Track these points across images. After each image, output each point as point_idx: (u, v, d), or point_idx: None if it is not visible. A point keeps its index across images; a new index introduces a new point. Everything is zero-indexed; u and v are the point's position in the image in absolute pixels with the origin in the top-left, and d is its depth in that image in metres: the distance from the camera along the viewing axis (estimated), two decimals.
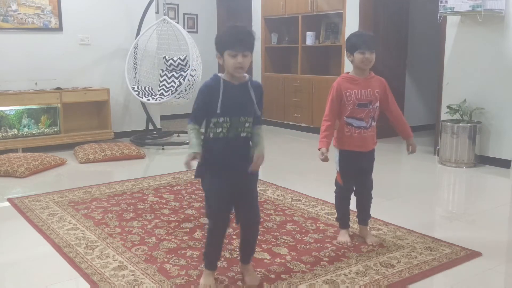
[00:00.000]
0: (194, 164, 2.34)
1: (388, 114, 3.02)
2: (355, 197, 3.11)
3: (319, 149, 2.87)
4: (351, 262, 2.78)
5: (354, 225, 3.26)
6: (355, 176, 3.02)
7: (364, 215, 3.10)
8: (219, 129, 2.31)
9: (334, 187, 3.10)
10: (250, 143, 2.43)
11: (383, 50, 6.57)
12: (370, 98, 2.89)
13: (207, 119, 2.34)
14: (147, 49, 6.56)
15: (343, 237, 3.08)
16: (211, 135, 2.33)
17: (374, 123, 2.94)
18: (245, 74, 2.34)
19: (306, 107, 7.16)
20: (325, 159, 2.84)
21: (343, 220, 3.11)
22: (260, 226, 3.29)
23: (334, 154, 2.99)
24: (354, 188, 3.07)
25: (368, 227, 3.13)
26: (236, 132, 2.33)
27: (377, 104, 2.92)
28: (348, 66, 6.51)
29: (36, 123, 5.88)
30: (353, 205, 3.12)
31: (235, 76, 2.31)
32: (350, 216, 3.14)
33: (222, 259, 2.75)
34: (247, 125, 2.35)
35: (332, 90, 2.93)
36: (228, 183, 2.37)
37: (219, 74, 2.36)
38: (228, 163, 2.36)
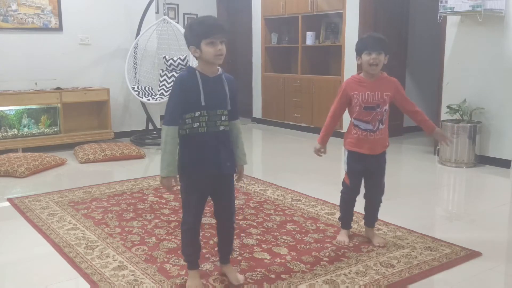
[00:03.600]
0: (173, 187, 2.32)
1: (405, 113, 2.99)
2: (363, 200, 3.07)
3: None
4: (351, 262, 2.78)
5: (354, 225, 3.26)
6: (362, 177, 2.98)
7: (371, 217, 3.07)
8: (197, 124, 2.25)
9: (334, 187, 3.10)
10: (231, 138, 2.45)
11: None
12: (377, 101, 2.81)
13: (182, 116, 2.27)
14: (147, 49, 6.56)
15: (342, 237, 3.07)
16: (186, 131, 2.27)
17: (382, 126, 2.86)
18: (218, 67, 2.32)
19: (306, 107, 7.16)
20: (317, 152, 2.97)
21: (345, 221, 3.10)
22: (260, 226, 3.31)
23: (343, 154, 3.00)
24: (365, 191, 3.02)
25: (374, 228, 3.11)
26: (214, 126, 2.29)
27: (386, 107, 2.84)
28: (348, 67, 6.51)
29: (36, 123, 5.88)
30: (358, 205, 3.11)
31: (215, 64, 2.26)
32: (353, 218, 3.13)
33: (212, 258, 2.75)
34: (223, 118, 2.31)
35: (340, 90, 2.91)
36: (207, 182, 2.35)
37: (193, 66, 2.32)
38: (209, 160, 2.31)
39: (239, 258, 2.82)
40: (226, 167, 2.37)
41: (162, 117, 7.30)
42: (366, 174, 2.96)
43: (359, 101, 2.83)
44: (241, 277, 2.54)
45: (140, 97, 6.09)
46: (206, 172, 2.33)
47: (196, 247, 2.48)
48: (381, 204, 3.09)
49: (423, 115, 2.98)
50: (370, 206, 3.06)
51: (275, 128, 7.61)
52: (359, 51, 2.84)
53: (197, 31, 2.21)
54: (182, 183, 2.39)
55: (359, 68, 2.91)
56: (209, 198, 2.47)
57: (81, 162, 5.26)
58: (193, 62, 6.00)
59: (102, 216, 3.54)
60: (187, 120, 2.26)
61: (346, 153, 2.96)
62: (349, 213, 3.08)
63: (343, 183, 3.04)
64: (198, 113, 2.24)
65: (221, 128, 2.32)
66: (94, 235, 3.18)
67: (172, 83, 6.26)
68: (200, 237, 3.08)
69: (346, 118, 2.99)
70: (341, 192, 3.07)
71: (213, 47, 2.20)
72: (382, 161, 2.97)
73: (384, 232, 3.22)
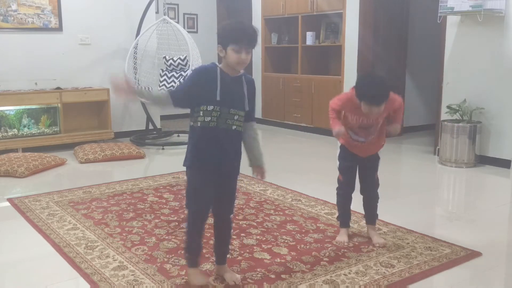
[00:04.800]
0: (123, 85, 2.26)
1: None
2: (361, 196, 3.10)
3: (334, 128, 2.81)
4: (351, 262, 2.78)
5: (354, 225, 3.26)
6: (355, 173, 3.01)
7: (370, 214, 3.09)
8: (208, 118, 2.28)
9: (334, 187, 3.10)
10: (243, 140, 2.45)
11: (383, 50, 6.57)
12: (372, 122, 2.85)
13: (194, 106, 2.31)
14: (147, 49, 6.55)
15: (341, 236, 3.07)
16: (199, 123, 2.30)
17: (374, 136, 2.91)
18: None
19: (306, 107, 7.15)
20: (340, 134, 2.82)
21: (342, 219, 3.11)
22: (260, 226, 3.31)
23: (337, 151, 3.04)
24: (360, 187, 3.06)
25: (375, 227, 3.12)
26: (226, 124, 2.31)
27: (380, 123, 2.88)
28: (348, 67, 6.52)
29: (36, 123, 5.88)
30: (359, 205, 3.11)
31: (235, 69, 2.31)
32: (351, 216, 3.14)
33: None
34: (236, 117, 2.33)
35: (345, 96, 2.87)
36: (213, 178, 2.37)
37: (216, 63, 2.35)
38: (217, 156, 2.34)
39: (239, 258, 2.82)
40: (233, 166, 2.42)
41: (162, 117, 7.36)
42: (359, 170, 3.01)
43: (354, 122, 2.86)
44: (238, 277, 2.55)
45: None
46: (213, 165, 2.35)
47: (196, 243, 2.45)
48: (381, 204, 3.09)
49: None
50: (367, 201, 3.08)
51: (275, 128, 7.61)
52: (359, 95, 2.71)
53: (228, 34, 2.26)
54: (189, 175, 2.41)
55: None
56: None
57: (81, 162, 5.26)
58: (193, 63, 6.00)
59: (102, 216, 3.54)
60: (200, 112, 2.28)
61: (339, 148, 3.01)
62: (346, 211, 3.10)
63: (338, 180, 3.07)
64: (211, 107, 2.27)
65: (234, 127, 2.33)
66: (94, 235, 3.18)
67: (172, 83, 6.31)
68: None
69: None
70: (336, 189, 3.10)
71: (237, 54, 2.24)
72: (375, 157, 3.01)
73: (384, 232, 3.22)
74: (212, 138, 2.31)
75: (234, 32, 2.26)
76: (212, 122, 2.28)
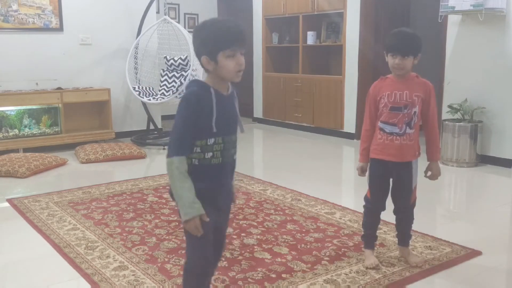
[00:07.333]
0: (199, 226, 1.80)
1: (423, 124, 2.70)
2: (362, 196, 2.92)
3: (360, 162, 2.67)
4: (352, 261, 2.78)
5: (354, 224, 3.26)
6: (387, 191, 2.70)
7: (403, 235, 2.79)
8: (210, 154, 1.80)
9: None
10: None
11: (383, 50, 6.56)
12: (405, 101, 2.55)
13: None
14: (148, 49, 6.56)
15: (369, 259, 2.71)
16: (196, 161, 1.80)
17: (410, 131, 2.61)
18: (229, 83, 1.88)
19: (307, 107, 7.15)
20: (362, 173, 2.68)
21: (367, 239, 2.77)
22: (260, 226, 3.31)
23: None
24: (393, 208, 2.75)
25: (409, 247, 2.82)
26: (229, 155, 1.86)
27: (415, 109, 2.58)
28: (349, 66, 6.51)
29: (37, 123, 5.88)
30: (359, 205, 3.08)
31: (231, 81, 1.84)
32: (377, 238, 2.83)
33: (223, 259, 2.74)
34: (236, 144, 1.91)
35: (368, 96, 2.65)
36: (214, 219, 1.86)
37: (203, 81, 1.84)
38: (221, 196, 1.90)
39: (240, 258, 2.82)
40: (230, 201, 2.02)
41: (163, 117, 7.35)
42: (392, 188, 2.71)
43: (385, 101, 2.57)
44: None
45: (141, 97, 6.09)
46: (217, 207, 1.89)
47: None
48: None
49: (436, 138, 2.79)
50: (400, 223, 2.77)
51: (276, 128, 7.61)
52: (386, 49, 2.60)
53: (214, 39, 1.74)
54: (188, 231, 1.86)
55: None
56: None
57: (82, 162, 5.27)
58: (194, 63, 5.99)
59: (102, 216, 3.54)
60: (196, 148, 1.79)
61: (368, 169, 2.71)
62: (372, 232, 2.75)
63: (365, 197, 2.75)
64: (212, 141, 1.80)
65: (234, 157, 1.91)
66: (94, 235, 3.18)
67: (172, 83, 6.30)
68: None
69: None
70: (363, 207, 2.78)
71: (233, 60, 1.75)
72: (410, 173, 2.72)
73: (384, 232, 3.22)
74: (214, 177, 1.84)
75: (222, 34, 1.74)
76: (214, 159, 1.81)
